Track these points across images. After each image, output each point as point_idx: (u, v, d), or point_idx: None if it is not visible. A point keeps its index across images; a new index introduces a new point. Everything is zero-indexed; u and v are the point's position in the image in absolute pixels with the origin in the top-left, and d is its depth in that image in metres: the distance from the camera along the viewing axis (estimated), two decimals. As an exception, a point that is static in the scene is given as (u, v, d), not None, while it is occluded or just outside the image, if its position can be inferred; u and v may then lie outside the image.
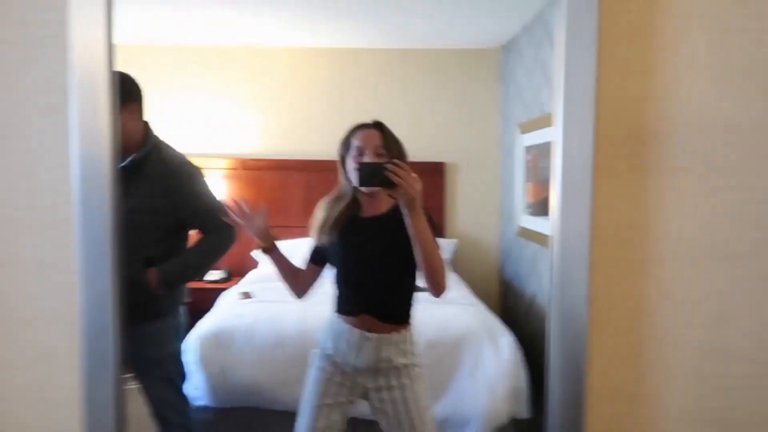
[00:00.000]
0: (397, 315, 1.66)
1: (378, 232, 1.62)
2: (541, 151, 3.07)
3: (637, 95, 1.13)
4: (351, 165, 1.61)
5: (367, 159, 1.58)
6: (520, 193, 3.45)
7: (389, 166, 1.41)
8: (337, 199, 1.70)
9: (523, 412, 2.35)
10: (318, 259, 1.75)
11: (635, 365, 1.19)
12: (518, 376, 2.33)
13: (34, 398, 1.13)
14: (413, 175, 1.42)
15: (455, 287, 3.08)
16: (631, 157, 1.14)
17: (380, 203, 1.64)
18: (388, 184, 1.41)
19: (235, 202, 1.72)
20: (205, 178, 2.04)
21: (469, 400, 2.27)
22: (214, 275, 3.69)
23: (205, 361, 2.35)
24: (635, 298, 1.17)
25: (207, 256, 2.02)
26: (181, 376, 2.08)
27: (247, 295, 2.93)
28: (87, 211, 1.06)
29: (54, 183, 1.09)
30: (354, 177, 1.56)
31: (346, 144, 1.65)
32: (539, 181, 3.15)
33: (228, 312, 2.61)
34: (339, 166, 1.68)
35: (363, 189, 1.59)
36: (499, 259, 3.95)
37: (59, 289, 1.11)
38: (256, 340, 2.39)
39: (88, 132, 1.04)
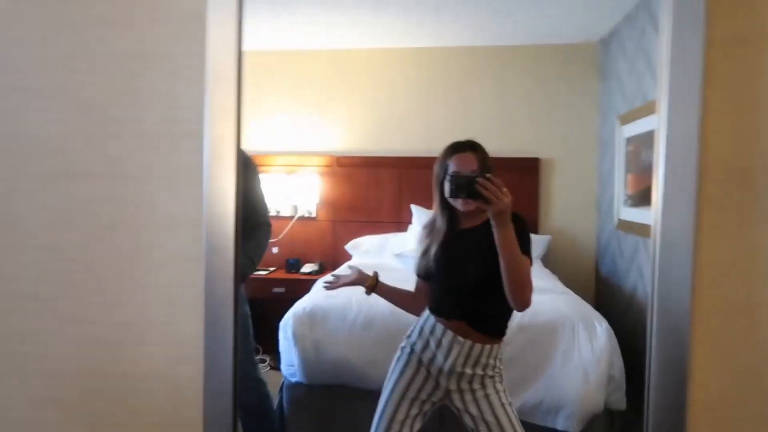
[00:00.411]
0: (491, 326, 1.65)
1: (475, 241, 1.62)
2: (643, 141, 2.96)
3: (747, 74, 1.06)
4: (447, 187, 1.61)
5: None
6: (620, 185, 3.33)
7: (480, 179, 1.45)
8: (434, 221, 1.73)
9: (620, 402, 2.25)
10: (426, 275, 1.76)
11: (741, 369, 1.10)
12: (614, 363, 2.23)
13: (161, 297, 1.22)
14: (504, 189, 1.45)
15: (548, 279, 3.01)
16: (741, 144, 1.07)
17: (478, 215, 1.63)
18: (478, 197, 1.46)
19: (330, 281, 1.85)
20: (259, 176, 2.15)
21: (563, 385, 2.20)
22: (307, 268, 3.82)
23: (299, 338, 2.42)
24: (743, 295, 1.09)
25: (251, 252, 2.07)
26: (255, 360, 2.18)
27: (340, 280, 3.00)
28: (215, 123, 1.14)
29: (188, 99, 1.18)
30: (446, 188, 1.58)
31: (443, 167, 1.66)
32: (640, 171, 3.03)
33: (322, 292, 2.68)
34: (435, 189, 1.69)
35: (454, 201, 1.62)
36: (595, 255, 3.81)
37: (187, 197, 1.19)
38: (348, 319, 2.44)
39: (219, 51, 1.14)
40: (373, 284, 1.80)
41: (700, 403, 1.11)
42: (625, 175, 3.26)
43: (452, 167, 1.63)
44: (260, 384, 2.23)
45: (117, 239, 1.23)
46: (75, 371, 1.27)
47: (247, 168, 2.05)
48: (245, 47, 1.15)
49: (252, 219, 2.06)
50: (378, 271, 1.83)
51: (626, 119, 3.25)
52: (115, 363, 1.26)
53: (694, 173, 1.07)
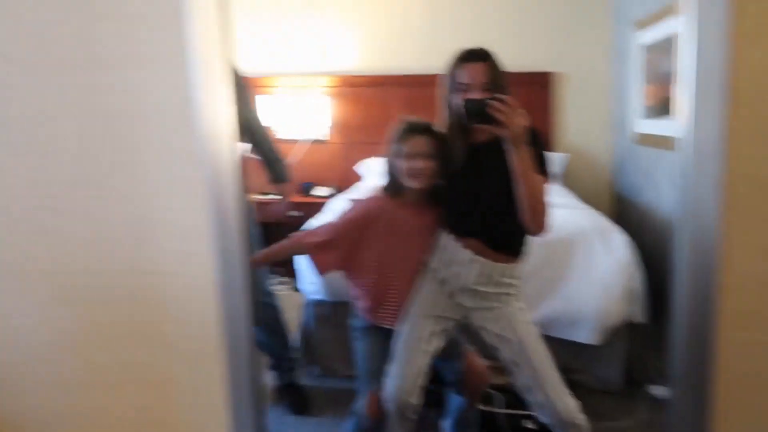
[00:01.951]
0: (507, 245, 1.62)
1: (490, 158, 1.55)
2: (662, 48, 2.85)
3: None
4: (456, 100, 1.53)
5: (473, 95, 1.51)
6: (637, 96, 3.24)
7: (494, 103, 1.38)
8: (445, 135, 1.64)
9: (638, 315, 2.28)
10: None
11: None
12: (632, 276, 2.24)
13: (164, 191, 1.22)
14: (519, 110, 1.39)
15: (565, 197, 2.99)
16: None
17: None
18: (491, 122, 1.40)
19: None
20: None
21: (581, 298, 2.22)
22: (323, 191, 3.81)
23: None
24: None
25: None
26: (266, 274, 2.23)
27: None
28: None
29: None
30: (461, 113, 1.50)
31: (451, 77, 1.56)
32: (659, 80, 2.94)
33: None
34: (443, 101, 1.60)
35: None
36: (611, 170, 3.78)
37: (181, 128, 1.18)
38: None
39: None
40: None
41: (729, 315, 1.12)
42: (643, 86, 3.17)
43: (460, 78, 1.54)
44: (271, 297, 2.28)
45: (112, 133, 1.20)
46: (80, 270, 1.25)
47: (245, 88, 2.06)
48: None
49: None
50: None
51: (643, 25, 3.12)
52: (122, 260, 1.25)
53: (724, 75, 1.02)
